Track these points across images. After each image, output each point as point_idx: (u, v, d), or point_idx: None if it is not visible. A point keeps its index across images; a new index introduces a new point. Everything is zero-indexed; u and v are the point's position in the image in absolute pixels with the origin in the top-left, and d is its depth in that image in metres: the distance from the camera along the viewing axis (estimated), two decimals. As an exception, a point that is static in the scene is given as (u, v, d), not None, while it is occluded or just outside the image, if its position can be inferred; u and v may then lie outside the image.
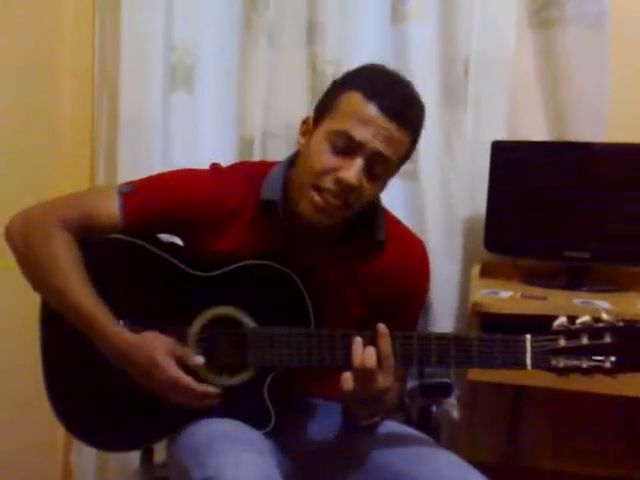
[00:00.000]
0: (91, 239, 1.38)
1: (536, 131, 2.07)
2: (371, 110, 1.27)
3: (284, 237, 1.39)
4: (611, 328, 1.19)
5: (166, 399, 1.31)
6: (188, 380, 1.28)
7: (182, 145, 2.16)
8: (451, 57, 2.06)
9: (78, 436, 1.46)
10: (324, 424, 1.43)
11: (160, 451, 1.49)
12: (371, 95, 1.27)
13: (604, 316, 1.21)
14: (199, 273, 1.36)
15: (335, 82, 1.37)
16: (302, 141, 1.36)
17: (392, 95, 1.29)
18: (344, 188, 1.28)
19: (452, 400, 1.82)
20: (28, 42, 2.06)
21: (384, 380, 1.22)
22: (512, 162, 2.00)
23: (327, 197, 1.29)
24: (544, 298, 1.75)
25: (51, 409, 1.44)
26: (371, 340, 1.23)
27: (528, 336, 1.21)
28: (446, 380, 1.63)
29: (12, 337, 1.58)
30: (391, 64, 2.05)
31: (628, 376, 1.60)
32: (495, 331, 1.71)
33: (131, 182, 1.43)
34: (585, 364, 1.20)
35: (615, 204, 1.92)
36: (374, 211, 1.41)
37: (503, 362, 1.22)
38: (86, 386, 1.43)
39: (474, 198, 2.07)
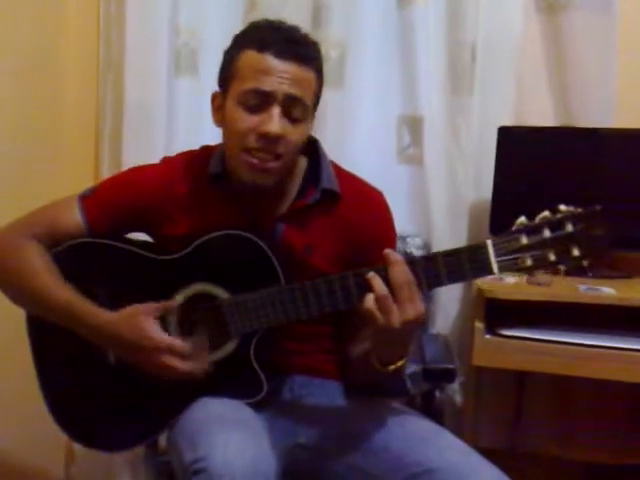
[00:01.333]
0: (59, 249, 1.43)
1: (543, 117, 2.07)
2: (268, 59, 1.31)
3: (241, 207, 1.42)
4: (571, 216, 1.17)
5: (157, 371, 1.31)
6: (173, 340, 1.31)
7: (187, 129, 2.15)
8: (458, 42, 2.06)
9: (83, 443, 1.47)
10: (324, 405, 1.43)
11: (164, 436, 1.50)
12: (263, 46, 1.31)
13: (562, 207, 1.18)
14: (166, 257, 1.39)
15: (226, 50, 1.40)
16: (218, 116, 1.40)
17: (282, 39, 1.32)
18: (270, 141, 1.31)
19: (455, 385, 1.83)
20: (33, 27, 2.05)
21: (415, 307, 1.19)
22: (518, 148, 2.00)
23: (258, 155, 1.32)
24: (549, 284, 1.75)
25: (53, 421, 1.46)
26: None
27: (489, 241, 1.19)
28: (449, 365, 1.63)
29: (9, 325, 1.58)
30: (397, 49, 2.10)
31: (634, 362, 1.62)
32: (501, 319, 1.73)
33: (91, 187, 1.49)
34: (552, 257, 1.17)
35: (621, 190, 1.91)
36: (317, 161, 1.44)
37: (472, 273, 1.20)
38: (80, 392, 1.45)
39: (480, 184, 2.07)
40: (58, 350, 1.45)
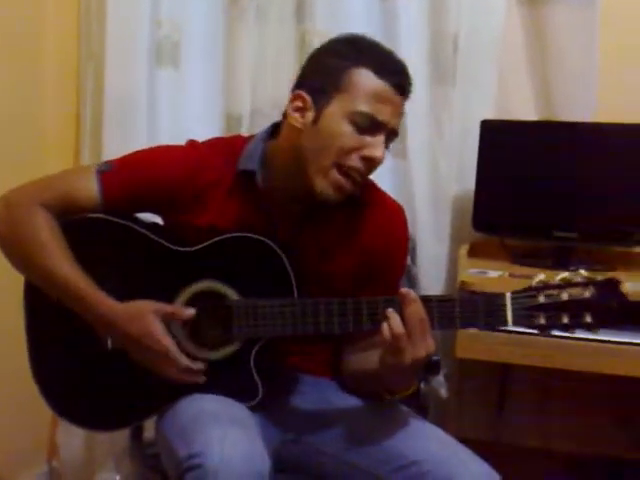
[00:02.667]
0: (72, 220, 1.38)
1: (525, 110, 2.07)
2: (387, 89, 1.30)
3: (263, 208, 1.40)
4: (590, 283, 1.21)
5: (153, 370, 1.31)
6: (175, 353, 1.29)
7: (168, 121, 2.13)
8: (440, 34, 2.05)
9: (66, 417, 1.45)
10: (315, 401, 1.43)
11: (150, 428, 1.49)
12: (382, 71, 1.31)
13: (582, 272, 1.22)
14: (180, 249, 1.36)
15: (327, 56, 1.36)
16: (300, 119, 1.34)
17: (397, 69, 1.34)
18: (371, 165, 1.33)
19: (440, 378, 1.83)
20: (12, 19, 2.02)
21: (427, 345, 1.20)
22: (501, 141, 2.00)
23: (352, 175, 1.32)
24: (532, 278, 1.75)
25: (38, 391, 1.44)
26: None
27: (508, 294, 1.21)
28: (434, 357, 1.63)
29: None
30: (380, 40, 2.08)
31: (616, 355, 1.63)
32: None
33: (110, 161, 1.44)
34: (565, 319, 1.20)
35: (603, 184, 1.92)
36: None
37: (485, 321, 1.22)
38: (72, 366, 1.43)
39: (463, 177, 2.07)
40: (53, 323, 1.41)
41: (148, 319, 1.29)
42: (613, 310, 1.20)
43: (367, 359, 1.36)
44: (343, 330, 1.27)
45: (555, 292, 1.21)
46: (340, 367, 1.47)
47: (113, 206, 1.39)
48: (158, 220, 1.48)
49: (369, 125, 1.30)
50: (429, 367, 1.63)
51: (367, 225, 1.42)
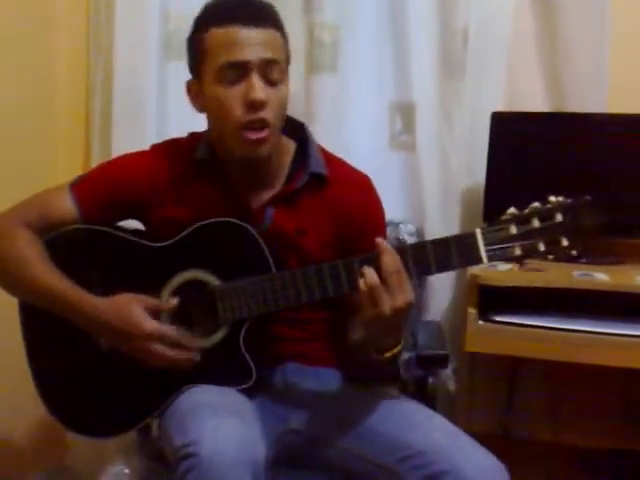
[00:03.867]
0: (53, 234, 1.43)
1: (535, 102, 2.06)
2: (233, 31, 1.31)
3: (231, 195, 1.42)
4: (560, 207, 1.18)
5: (148, 361, 1.32)
6: (164, 328, 1.31)
7: (179, 114, 2.13)
8: (450, 27, 2.05)
9: (75, 429, 1.47)
10: (318, 391, 1.43)
11: (157, 422, 1.50)
12: (223, 20, 1.31)
13: (552, 198, 1.20)
14: (158, 244, 1.39)
15: (189, 38, 1.39)
16: (197, 104, 1.40)
17: (237, 8, 1.32)
18: (257, 108, 1.31)
19: (448, 371, 1.82)
20: (23, 15, 2.03)
21: (405, 295, 1.20)
22: (512, 133, 1.99)
23: (257, 126, 1.32)
24: (543, 270, 1.74)
25: (44, 407, 1.46)
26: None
27: (478, 230, 1.20)
28: (442, 352, 1.63)
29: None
30: (389, 34, 2.08)
31: (627, 348, 1.62)
32: (494, 305, 1.73)
33: (81, 175, 1.50)
34: (542, 247, 1.18)
35: (615, 175, 1.90)
36: (305, 145, 1.45)
37: (460, 262, 1.21)
38: (73, 378, 1.45)
39: (473, 170, 2.05)
40: (49, 336, 1.44)
41: (129, 308, 1.32)
42: (588, 229, 1.18)
43: (359, 332, 1.34)
44: (323, 295, 1.28)
45: (526, 221, 1.18)
46: (342, 350, 1.46)
47: (91, 216, 1.43)
48: (140, 227, 1.50)
49: (235, 74, 1.31)
50: (437, 361, 1.63)
51: (337, 199, 1.43)
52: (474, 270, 1.75)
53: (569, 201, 1.19)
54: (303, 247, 1.41)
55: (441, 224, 2.06)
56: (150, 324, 1.31)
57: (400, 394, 1.44)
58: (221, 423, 1.18)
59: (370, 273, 1.20)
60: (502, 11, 2.02)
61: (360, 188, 1.47)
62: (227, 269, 1.35)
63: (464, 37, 2.03)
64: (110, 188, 1.44)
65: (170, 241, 1.38)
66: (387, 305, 1.19)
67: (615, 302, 1.70)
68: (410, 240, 1.89)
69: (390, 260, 1.20)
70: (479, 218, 1.99)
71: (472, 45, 2.03)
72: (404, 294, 1.20)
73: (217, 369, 1.35)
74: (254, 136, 1.33)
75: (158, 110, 2.13)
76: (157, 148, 1.50)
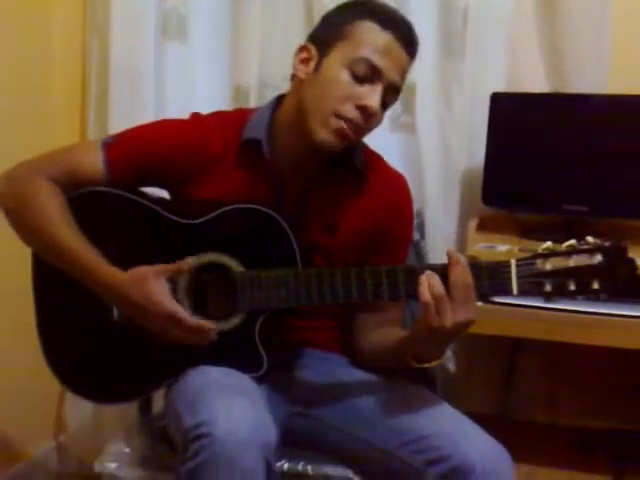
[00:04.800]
0: (79, 193, 1.38)
1: (535, 82, 2.04)
2: (389, 39, 1.30)
3: (270, 180, 1.39)
4: (597, 249, 1.18)
5: (162, 336, 1.29)
6: (182, 313, 1.27)
7: (175, 95, 2.12)
8: (450, 6, 2.03)
9: (74, 390, 1.46)
10: (323, 375, 1.44)
11: (158, 400, 1.50)
12: (386, 24, 1.31)
13: (589, 239, 1.19)
14: (185, 221, 1.36)
15: (334, 13, 1.38)
16: (304, 69, 1.35)
17: (403, 24, 1.34)
18: (367, 115, 1.31)
19: (448, 352, 1.82)
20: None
21: (469, 312, 1.18)
22: (511, 114, 1.98)
23: (350, 124, 1.30)
24: (541, 251, 1.74)
25: (46, 363, 1.44)
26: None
27: (513, 260, 1.19)
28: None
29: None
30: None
31: (625, 328, 1.62)
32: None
33: (114, 135, 1.44)
34: (572, 286, 1.18)
35: (615, 157, 1.90)
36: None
37: (490, 289, 1.21)
38: (79, 339, 1.43)
39: (472, 151, 2.05)
40: (61, 293, 1.41)
41: (150, 282, 1.27)
42: (621, 276, 1.17)
43: (386, 334, 1.37)
44: (347, 300, 1.27)
45: (561, 259, 1.18)
46: (354, 345, 1.47)
47: (118, 179, 1.39)
48: (165, 195, 1.47)
49: (366, 73, 1.29)
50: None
51: (371, 198, 1.43)
52: (472, 251, 1.75)
53: (607, 244, 1.19)
54: (331, 243, 1.40)
55: (440, 204, 2.05)
56: (170, 305, 1.27)
57: (403, 379, 1.44)
58: (233, 404, 1.17)
59: (437, 282, 1.18)
60: (503, -12, 2.00)
61: (396, 189, 1.47)
62: (252, 257, 1.33)
63: (464, 17, 2.01)
64: (144, 154, 1.39)
65: (198, 220, 1.35)
66: (449, 319, 1.17)
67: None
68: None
69: (461, 273, 1.18)
70: (478, 199, 1.99)
71: (472, 25, 2.01)
72: (469, 310, 1.18)
73: (229, 354, 1.33)
74: (347, 129, 1.30)
75: (156, 89, 2.11)
76: (200, 119, 1.45)
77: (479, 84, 2.02)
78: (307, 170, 1.40)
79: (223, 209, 1.34)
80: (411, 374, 1.57)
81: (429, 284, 1.18)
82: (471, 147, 2.05)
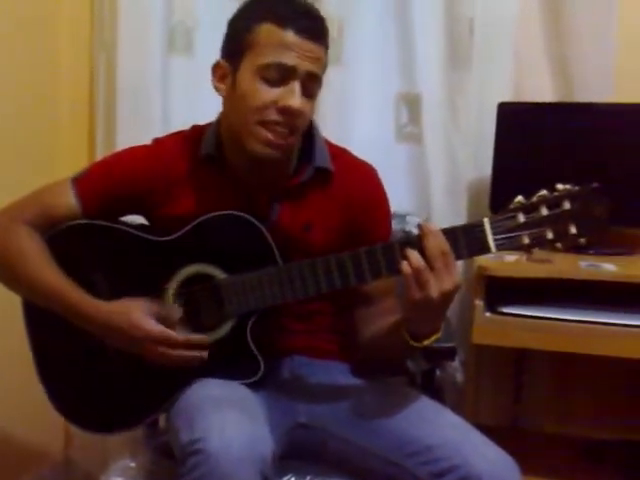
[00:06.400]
0: (55, 230, 1.41)
1: (542, 92, 2.04)
2: (290, 36, 1.30)
3: (236, 189, 1.41)
4: (568, 194, 1.18)
5: (156, 362, 1.31)
6: (169, 332, 1.30)
7: (182, 109, 2.13)
8: (456, 16, 2.03)
9: (78, 424, 1.47)
10: (325, 385, 1.43)
11: (164, 416, 1.49)
12: (284, 21, 1.30)
13: (559, 186, 1.19)
14: (163, 239, 1.39)
15: (235, 20, 1.38)
16: (223, 87, 1.38)
17: (300, 15, 1.32)
18: (291, 115, 1.31)
19: (456, 364, 1.81)
20: (26, 8, 2.03)
21: (452, 278, 1.18)
22: (518, 124, 1.98)
23: (276, 129, 1.31)
24: (550, 261, 1.74)
25: (48, 400, 1.46)
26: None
27: (486, 219, 1.19)
28: (450, 344, 1.62)
29: (5, 311, 1.58)
30: (394, 24, 2.07)
31: (634, 338, 1.61)
32: (501, 297, 1.72)
33: (82, 170, 1.48)
34: (550, 235, 1.17)
35: (622, 165, 1.89)
36: (311, 139, 1.44)
37: (468, 251, 1.20)
38: (78, 373, 1.45)
39: (479, 161, 2.05)
40: (54, 334, 1.44)
41: (132, 311, 1.30)
42: (597, 217, 1.17)
43: (383, 323, 1.37)
44: (331, 287, 1.27)
45: (534, 210, 1.18)
46: (355, 342, 1.46)
47: (93, 211, 1.42)
48: (142, 221, 1.49)
49: (278, 75, 1.30)
50: (445, 353, 1.62)
51: (341, 192, 1.43)
52: (481, 261, 1.75)
53: (577, 188, 1.18)
54: (309, 242, 1.41)
55: (448, 216, 2.05)
56: (155, 327, 1.30)
57: (409, 388, 1.44)
58: (227, 419, 1.18)
59: (415, 255, 1.18)
60: (508, 1, 2.00)
61: (365, 179, 1.47)
62: (233, 263, 1.34)
63: (470, 27, 2.02)
64: (113, 183, 1.42)
65: (175, 235, 1.37)
66: (435, 288, 1.18)
67: (623, 293, 1.69)
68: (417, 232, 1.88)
69: (436, 242, 1.18)
70: (486, 210, 1.98)
71: (478, 35, 2.02)
72: (452, 277, 1.18)
73: (224, 363, 1.35)
74: (274, 138, 1.31)
75: (162, 103, 2.12)
76: (160, 142, 1.48)
77: (486, 94, 2.03)
78: (270, 175, 1.41)
79: (198, 220, 1.36)
80: (418, 385, 1.57)
81: (408, 258, 1.18)
82: (478, 157, 2.05)
